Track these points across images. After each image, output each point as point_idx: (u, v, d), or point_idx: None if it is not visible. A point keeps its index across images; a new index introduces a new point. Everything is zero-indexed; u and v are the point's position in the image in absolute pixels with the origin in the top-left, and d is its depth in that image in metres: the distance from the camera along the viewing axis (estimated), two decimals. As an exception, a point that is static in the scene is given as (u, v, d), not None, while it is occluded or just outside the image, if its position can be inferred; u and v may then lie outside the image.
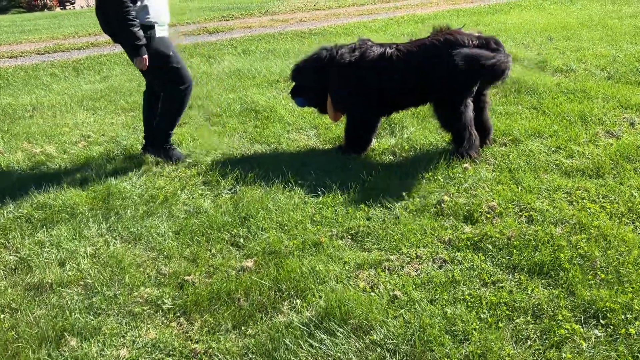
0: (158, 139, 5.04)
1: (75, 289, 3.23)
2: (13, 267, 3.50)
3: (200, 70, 8.72)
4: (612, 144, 4.70)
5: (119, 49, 11.03)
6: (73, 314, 2.98)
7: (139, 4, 4.54)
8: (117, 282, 3.25)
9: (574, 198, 3.89)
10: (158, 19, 4.71)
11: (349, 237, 3.63)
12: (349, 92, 4.79)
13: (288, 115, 6.13)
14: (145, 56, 4.63)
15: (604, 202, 3.80)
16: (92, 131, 5.98)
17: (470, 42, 4.43)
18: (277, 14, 15.56)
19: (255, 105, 6.52)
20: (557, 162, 4.45)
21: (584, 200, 3.83)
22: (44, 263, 3.47)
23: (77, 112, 6.74)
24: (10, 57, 10.66)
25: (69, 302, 3.08)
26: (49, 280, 3.29)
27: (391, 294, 2.98)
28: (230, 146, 5.32)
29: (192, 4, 20.17)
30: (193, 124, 6.08)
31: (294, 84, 5.15)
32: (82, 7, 27.24)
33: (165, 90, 4.95)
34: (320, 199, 4.12)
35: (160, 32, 4.73)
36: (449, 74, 4.43)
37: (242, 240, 3.64)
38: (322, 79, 4.81)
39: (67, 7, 27.44)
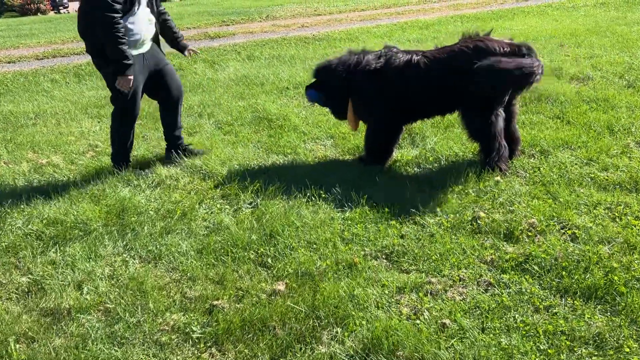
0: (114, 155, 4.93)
1: (95, 315, 3.00)
2: (26, 289, 3.27)
3: (206, 76, 8.51)
4: (645, 156, 4.53)
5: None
6: (95, 344, 2.75)
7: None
8: (139, 308, 3.02)
9: (616, 214, 3.70)
10: (139, 39, 4.55)
11: (384, 257, 3.42)
12: (372, 99, 4.60)
13: (302, 124, 5.92)
14: (132, 77, 4.43)
15: (649, 219, 3.61)
16: (99, 140, 5.75)
17: (501, 49, 4.25)
18: (278, 19, 15.38)
19: (267, 114, 6.31)
20: (592, 175, 4.27)
21: (627, 217, 3.65)
22: (59, 285, 3.24)
23: (82, 120, 6.51)
24: (9, 62, 10.41)
25: (90, 331, 2.85)
26: (67, 306, 3.05)
27: (439, 322, 2.77)
28: (245, 156, 5.10)
29: (190, 8, 19.96)
30: (204, 133, 5.86)
31: (313, 80, 4.90)
32: (75, 11, 26.96)
33: (114, 107, 4.83)
34: (348, 214, 3.91)
35: (134, 50, 4.54)
36: (480, 83, 4.24)
37: (269, 260, 3.43)
38: (346, 82, 4.61)
39: (61, 11, 27.17)
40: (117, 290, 3.19)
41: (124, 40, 4.29)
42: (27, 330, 2.88)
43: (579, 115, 5.59)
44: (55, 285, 3.24)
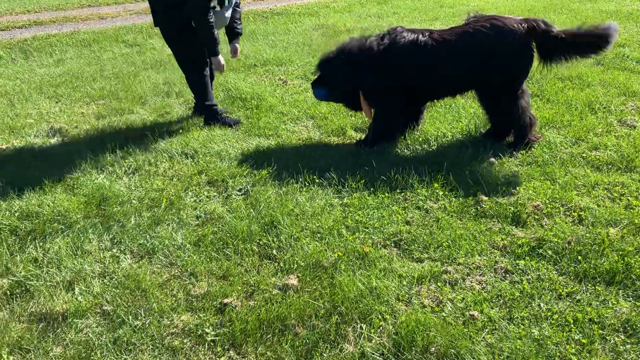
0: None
1: (94, 319, 2.74)
2: (8, 292, 2.96)
3: (166, 52, 8.07)
4: (630, 135, 4.57)
5: (66, 28, 10.15)
6: (100, 352, 2.51)
7: None
8: (142, 309, 2.79)
9: (615, 195, 3.70)
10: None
11: (393, 245, 3.29)
12: (379, 81, 4.43)
13: (279, 104, 5.69)
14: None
15: (648, 199, 3.63)
16: (62, 123, 5.34)
17: (519, 26, 4.18)
18: (230, -9, 14.82)
19: (240, 93, 6.03)
20: (583, 154, 4.26)
21: (627, 197, 3.65)
22: (47, 287, 2.95)
23: (38, 101, 6.04)
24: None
25: (92, 337, 2.60)
26: (60, 309, 2.78)
27: (467, 313, 2.67)
28: (225, 139, 4.85)
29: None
30: (175, 114, 5.55)
31: (318, 75, 4.72)
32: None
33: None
34: (346, 200, 3.76)
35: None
36: (509, 60, 4.24)
37: (274, 251, 3.24)
38: (353, 72, 4.44)
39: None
40: (113, 290, 2.94)
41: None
42: (18, 339, 2.60)
43: (557, 93, 5.60)
44: (43, 287, 2.95)
